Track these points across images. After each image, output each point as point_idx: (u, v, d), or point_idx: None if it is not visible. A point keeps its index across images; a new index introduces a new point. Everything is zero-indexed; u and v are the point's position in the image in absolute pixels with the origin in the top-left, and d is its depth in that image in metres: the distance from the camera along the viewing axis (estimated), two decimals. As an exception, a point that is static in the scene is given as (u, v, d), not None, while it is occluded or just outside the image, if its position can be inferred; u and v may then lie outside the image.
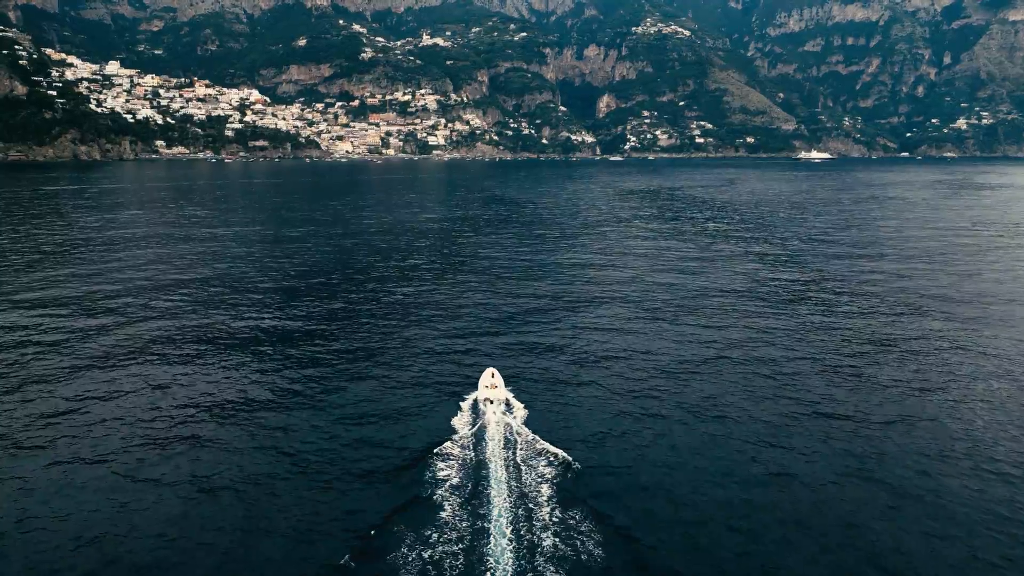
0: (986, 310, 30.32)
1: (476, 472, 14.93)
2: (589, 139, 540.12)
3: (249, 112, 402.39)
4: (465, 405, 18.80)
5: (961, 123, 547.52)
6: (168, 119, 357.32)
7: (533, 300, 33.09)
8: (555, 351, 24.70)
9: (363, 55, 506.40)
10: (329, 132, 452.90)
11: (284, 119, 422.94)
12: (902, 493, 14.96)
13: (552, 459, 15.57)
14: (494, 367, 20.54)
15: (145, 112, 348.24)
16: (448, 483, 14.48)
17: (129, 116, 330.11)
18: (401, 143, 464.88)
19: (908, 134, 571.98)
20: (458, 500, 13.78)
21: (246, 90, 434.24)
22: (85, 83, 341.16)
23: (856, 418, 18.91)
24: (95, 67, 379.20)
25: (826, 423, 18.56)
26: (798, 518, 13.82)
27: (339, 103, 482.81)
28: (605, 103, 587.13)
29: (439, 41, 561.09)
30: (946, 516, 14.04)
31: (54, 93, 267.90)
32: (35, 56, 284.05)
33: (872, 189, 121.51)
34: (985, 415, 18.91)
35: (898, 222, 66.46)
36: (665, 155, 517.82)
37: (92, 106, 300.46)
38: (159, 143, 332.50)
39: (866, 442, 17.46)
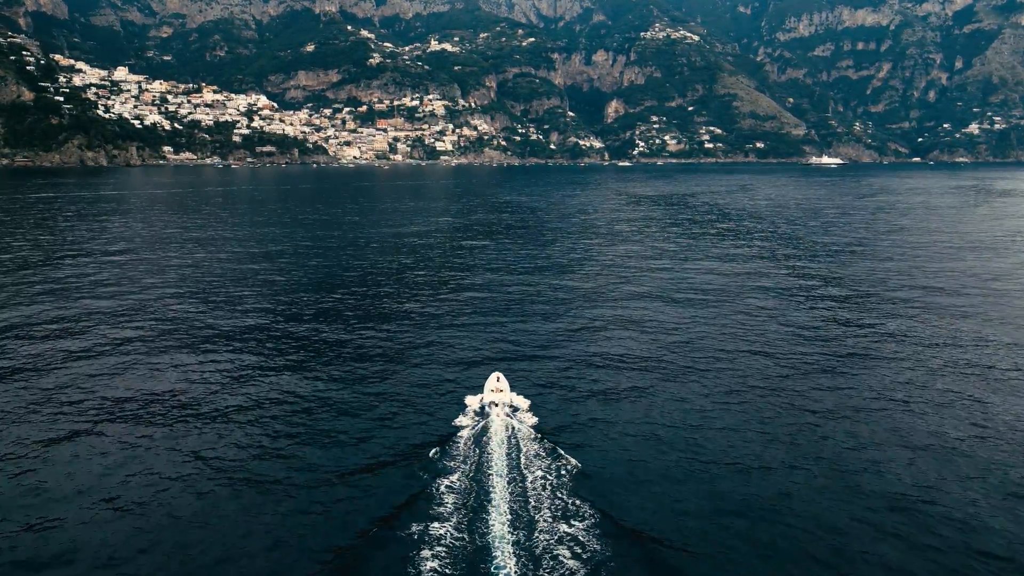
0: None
1: (479, 473, 14.67)
2: (597, 144, 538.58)
3: (256, 118, 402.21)
4: (470, 408, 18.57)
5: (973, 128, 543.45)
6: (176, 125, 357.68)
7: (541, 306, 32.12)
8: (563, 356, 24.03)
9: (371, 61, 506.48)
10: (336, 138, 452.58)
11: (292, 125, 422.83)
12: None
13: (557, 461, 15.35)
14: (500, 371, 20.20)
15: (153, 118, 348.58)
16: (451, 484, 14.27)
17: (137, 122, 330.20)
18: (409, 148, 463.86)
19: (920, 139, 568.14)
20: (460, 501, 13.58)
21: (254, 96, 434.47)
22: (93, 89, 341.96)
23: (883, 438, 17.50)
24: (103, 73, 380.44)
25: (848, 429, 17.91)
26: (812, 521, 13.44)
27: (347, 109, 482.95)
28: (613, 108, 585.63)
29: (447, 47, 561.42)
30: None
31: (61, 99, 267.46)
32: (42, 62, 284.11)
33: (892, 196, 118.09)
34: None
35: (931, 234, 63.14)
36: (674, 160, 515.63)
37: (100, 112, 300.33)
38: (166, 149, 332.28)
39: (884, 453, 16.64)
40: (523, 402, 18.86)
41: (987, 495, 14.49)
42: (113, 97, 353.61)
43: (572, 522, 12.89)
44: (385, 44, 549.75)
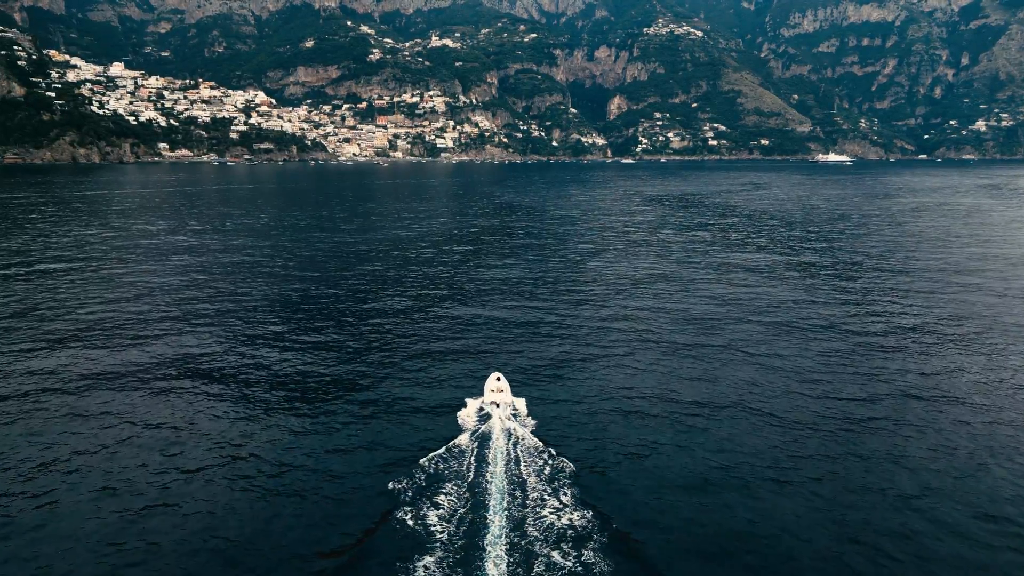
0: None
1: (478, 475, 14.59)
2: (600, 141, 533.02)
3: (254, 114, 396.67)
4: (470, 409, 18.26)
5: (980, 125, 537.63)
6: (172, 121, 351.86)
7: (544, 311, 30.62)
8: (565, 359, 23.31)
9: (371, 56, 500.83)
10: (336, 134, 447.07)
11: (290, 121, 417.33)
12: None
13: (556, 464, 15.19)
14: (500, 372, 20.04)
15: (148, 114, 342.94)
16: (450, 486, 14.20)
17: (132, 118, 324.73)
18: (409, 145, 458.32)
19: (926, 136, 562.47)
20: (459, 503, 13.54)
21: (252, 92, 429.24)
22: (88, 85, 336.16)
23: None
24: (99, 69, 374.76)
25: (852, 436, 17.25)
26: (813, 528, 13.21)
27: (346, 105, 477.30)
28: (616, 105, 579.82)
29: (448, 42, 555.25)
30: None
31: (53, 95, 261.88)
32: (35, 57, 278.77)
33: (920, 196, 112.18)
34: None
35: (991, 240, 57.46)
36: (677, 157, 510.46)
37: (94, 108, 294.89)
38: (162, 146, 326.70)
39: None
40: (523, 405, 18.45)
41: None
42: (108, 93, 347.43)
43: (570, 526, 12.79)
44: (385, 40, 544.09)
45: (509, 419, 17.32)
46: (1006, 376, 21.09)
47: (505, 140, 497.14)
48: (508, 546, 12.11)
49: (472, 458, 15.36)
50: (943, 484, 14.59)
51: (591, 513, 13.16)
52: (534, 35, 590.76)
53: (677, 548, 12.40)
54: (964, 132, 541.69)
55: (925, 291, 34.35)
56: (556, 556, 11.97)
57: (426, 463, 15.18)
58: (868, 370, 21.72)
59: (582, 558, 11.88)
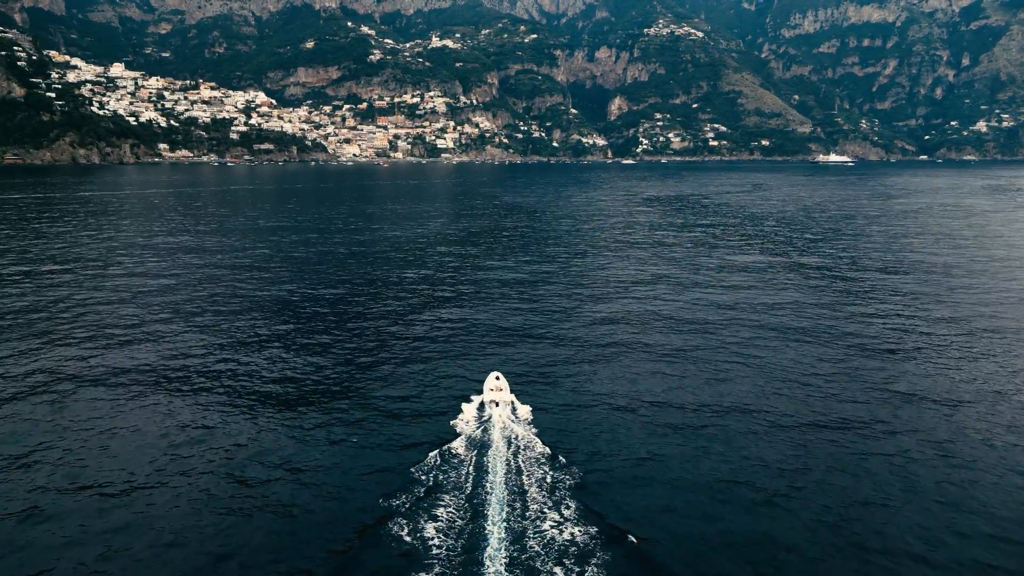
0: None
1: (478, 474, 14.55)
2: (600, 142, 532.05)
3: (255, 115, 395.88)
4: (469, 408, 18.23)
5: (981, 125, 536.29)
6: (172, 122, 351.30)
7: (546, 314, 30.38)
8: (567, 362, 23.22)
9: (371, 57, 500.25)
10: (336, 135, 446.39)
11: (290, 122, 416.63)
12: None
13: (555, 463, 15.18)
14: (499, 371, 20.18)
15: (148, 115, 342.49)
16: (449, 485, 14.18)
17: (132, 119, 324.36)
18: (409, 146, 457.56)
19: (927, 137, 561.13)
20: (456, 513, 13.34)
21: (252, 92, 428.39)
22: (88, 85, 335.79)
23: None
24: (99, 69, 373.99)
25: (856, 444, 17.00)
26: (823, 542, 12.87)
27: (347, 105, 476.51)
28: (617, 105, 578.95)
29: (448, 43, 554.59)
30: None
31: (53, 95, 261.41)
32: (35, 57, 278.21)
33: (923, 197, 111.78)
34: None
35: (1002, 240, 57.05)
36: (678, 158, 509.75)
37: (95, 108, 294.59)
38: (162, 146, 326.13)
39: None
40: (522, 406, 18.41)
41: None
42: (108, 94, 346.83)
43: (569, 528, 12.70)
44: (386, 40, 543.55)
45: (510, 419, 17.08)
46: (1019, 383, 20.63)
47: (505, 141, 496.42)
48: (508, 560, 11.75)
49: (471, 466, 14.96)
50: (959, 497, 14.14)
51: (594, 527, 12.77)
52: (534, 36, 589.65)
53: (682, 561, 12.07)
54: (965, 133, 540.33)
55: (931, 293, 33.92)
56: (554, 555, 11.78)
57: (423, 470, 14.81)
58: (877, 375, 21.28)
59: (579, 557, 11.71)
